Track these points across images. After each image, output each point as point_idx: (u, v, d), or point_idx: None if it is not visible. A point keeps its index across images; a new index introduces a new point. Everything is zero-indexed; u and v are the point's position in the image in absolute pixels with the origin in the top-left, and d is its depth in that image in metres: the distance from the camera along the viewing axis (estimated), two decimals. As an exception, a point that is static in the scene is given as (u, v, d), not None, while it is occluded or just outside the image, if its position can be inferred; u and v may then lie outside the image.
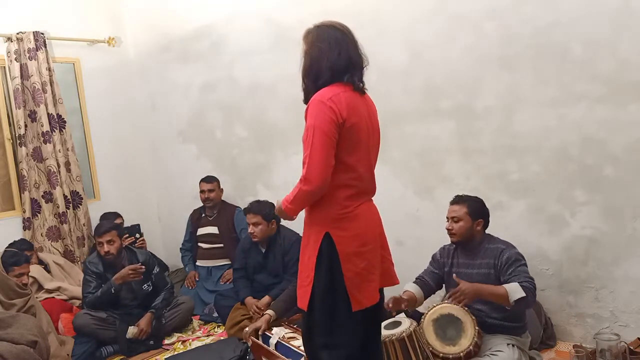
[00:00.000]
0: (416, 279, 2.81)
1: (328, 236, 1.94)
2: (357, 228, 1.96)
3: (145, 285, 3.47)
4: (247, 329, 3.04)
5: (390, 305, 2.49)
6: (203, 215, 4.21)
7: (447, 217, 2.68)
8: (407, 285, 2.73)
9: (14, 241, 3.74)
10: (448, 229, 2.66)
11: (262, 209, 3.34)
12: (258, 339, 2.93)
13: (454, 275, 2.52)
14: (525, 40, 2.79)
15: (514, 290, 2.38)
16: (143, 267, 3.36)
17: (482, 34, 2.92)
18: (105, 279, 3.38)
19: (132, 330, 3.29)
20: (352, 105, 1.91)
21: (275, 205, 2.13)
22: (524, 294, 2.36)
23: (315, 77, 1.96)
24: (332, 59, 1.93)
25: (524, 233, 2.90)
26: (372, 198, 2.09)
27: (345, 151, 1.91)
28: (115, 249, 3.39)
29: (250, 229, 3.35)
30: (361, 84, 1.99)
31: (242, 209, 4.08)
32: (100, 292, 3.31)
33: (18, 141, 4.08)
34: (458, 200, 2.67)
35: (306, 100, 1.97)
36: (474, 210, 2.61)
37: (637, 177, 2.58)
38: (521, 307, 2.45)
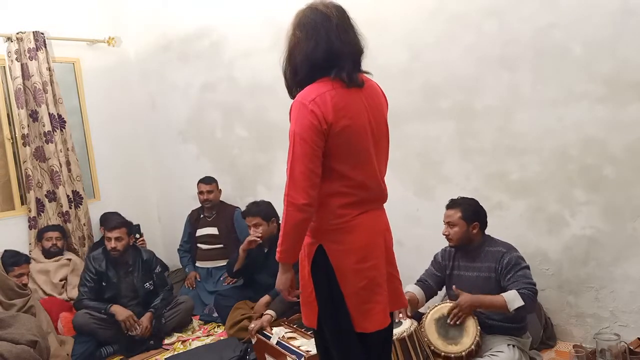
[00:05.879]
0: (418, 281, 2.81)
1: (321, 249, 1.73)
2: (354, 241, 1.71)
3: (147, 283, 3.49)
4: (251, 325, 3.05)
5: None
6: (202, 216, 4.20)
7: (443, 222, 2.68)
8: (408, 287, 2.73)
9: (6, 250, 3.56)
10: (445, 234, 2.66)
11: (260, 209, 3.36)
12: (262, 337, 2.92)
13: (454, 287, 2.53)
14: (525, 40, 2.79)
15: (513, 299, 2.39)
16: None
17: (482, 34, 2.92)
18: (106, 277, 3.38)
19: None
20: (341, 106, 1.64)
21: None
22: (522, 303, 2.37)
23: (293, 72, 1.71)
24: (308, 50, 1.64)
25: (524, 233, 2.90)
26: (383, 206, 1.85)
27: (336, 158, 1.67)
28: (122, 246, 3.40)
29: (253, 232, 3.35)
30: (354, 78, 1.68)
31: (242, 210, 4.09)
32: (93, 305, 3.31)
33: (22, 141, 4.08)
34: (452, 204, 2.67)
35: (291, 97, 1.73)
36: (468, 214, 2.60)
37: (637, 177, 2.58)
38: (521, 314, 2.46)
